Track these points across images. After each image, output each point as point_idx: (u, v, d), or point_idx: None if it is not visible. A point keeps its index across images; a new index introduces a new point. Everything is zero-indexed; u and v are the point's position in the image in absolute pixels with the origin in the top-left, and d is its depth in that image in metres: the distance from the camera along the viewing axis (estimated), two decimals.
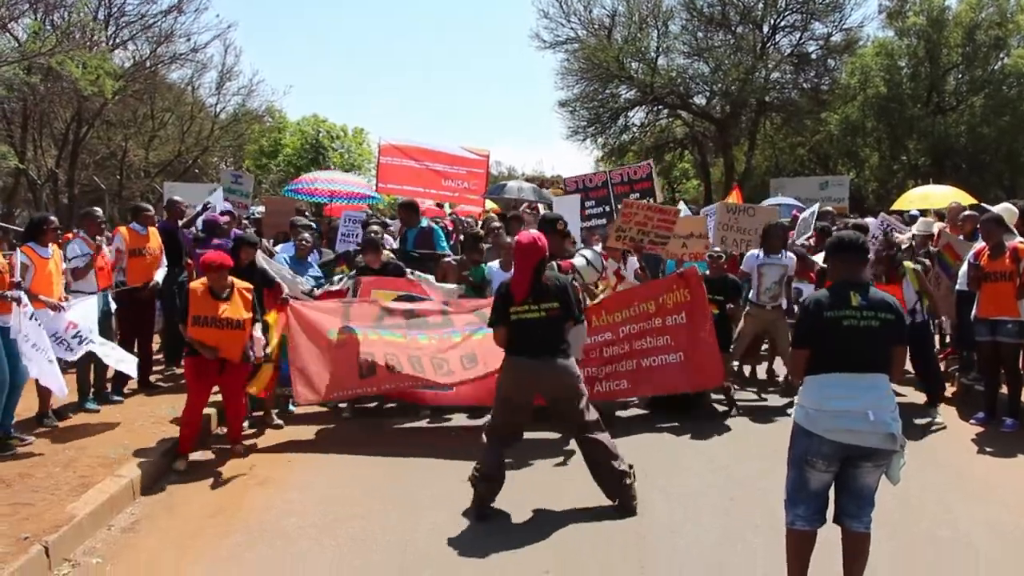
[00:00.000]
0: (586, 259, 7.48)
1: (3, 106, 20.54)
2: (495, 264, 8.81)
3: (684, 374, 7.97)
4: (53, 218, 7.65)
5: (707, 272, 8.78)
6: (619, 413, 8.31)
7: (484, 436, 5.79)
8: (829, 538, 4.24)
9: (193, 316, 6.63)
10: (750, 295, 8.96)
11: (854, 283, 4.20)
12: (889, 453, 4.04)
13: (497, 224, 10.02)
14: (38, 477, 5.89)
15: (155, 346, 9.75)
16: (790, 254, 9.35)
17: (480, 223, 11.92)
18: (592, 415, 5.81)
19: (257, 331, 6.91)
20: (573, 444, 6.15)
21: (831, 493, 4.24)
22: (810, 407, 4.14)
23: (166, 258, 9.09)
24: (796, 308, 9.11)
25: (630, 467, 5.76)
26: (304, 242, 9.07)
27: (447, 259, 9.30)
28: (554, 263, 6.76)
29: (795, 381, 4.49)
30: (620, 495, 5.69)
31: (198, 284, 6.86)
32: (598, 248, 8.88)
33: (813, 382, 4.18)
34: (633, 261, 9.42)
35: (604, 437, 5.77)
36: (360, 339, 7.35)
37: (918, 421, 7.90)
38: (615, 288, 8.50)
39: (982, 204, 12.46)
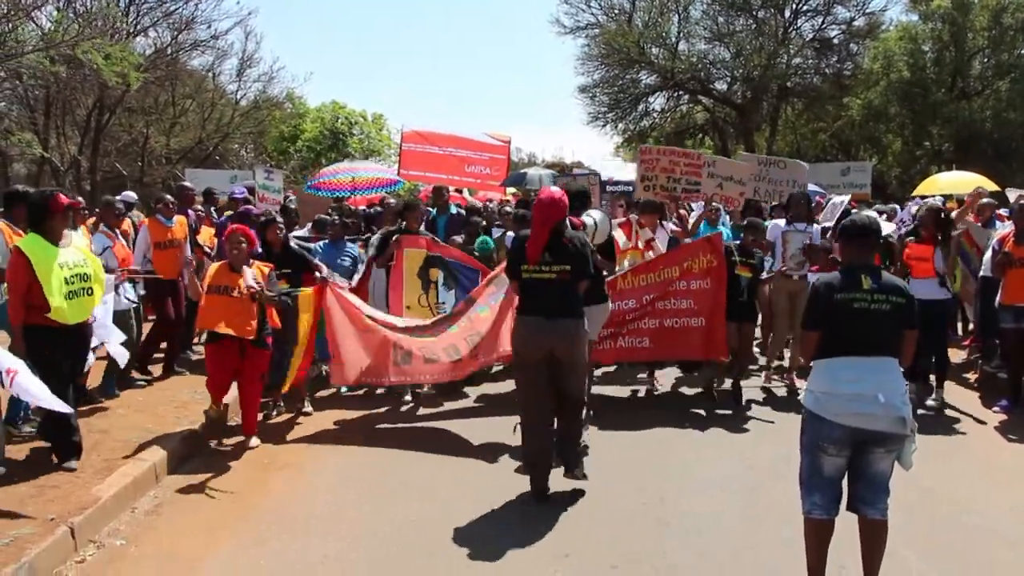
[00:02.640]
0: (594, 220, 7.32)
1: (27, 94, 20.70)
2: (511, 233, 8.83)
3: (700, 341, 8.05)
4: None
5: (738, 241, 8.62)
6: (642, 393, 8.31)
7: (518, 423, 5.81)
8: (849, 525, 4.22)
9: (208, 285, 6.68)
10: (773, 265, 8.85)
11: (865, 266, 4.18)
12: (901, 438, 4.02)
13: (510, 210, 10.04)
14: None
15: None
16: (814, 226, 9.32)
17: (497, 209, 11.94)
18: (583, 391, 5.85)
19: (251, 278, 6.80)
20: (589, 435, 6.12)
21: (845, 481, 4.21)
22: (819, 391, 4.12)
23: None
24: None
25: (585, 446, 5.92)
26: (334, 225, 9.12)
27: (452, 238, 9.33)
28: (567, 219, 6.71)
29: (804, 362, 4.49)
30: (570, 460, 5.75)
31: (217, 263, 6.99)
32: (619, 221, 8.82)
33: (822, 366, 4.17)
34: (669, 226, 9.36)
35: (582, 414, 5.87)
36: (388, 334, 7.44)
37: (929, 403, 7.90)
38: (643, 256, 8.48)
39: (1007, 190, 12.32)
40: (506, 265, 5.94)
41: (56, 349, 5.69)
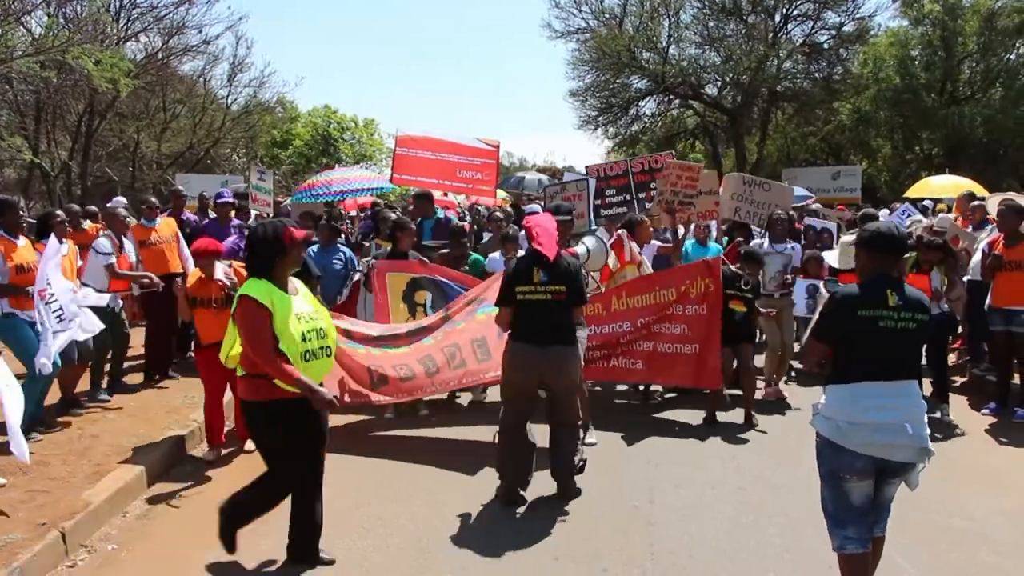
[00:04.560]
0: (587, 248, 7.34)
1: (17, 99, 20.64)
2: (496, 255, 8.80)
3: (693, 369, 7.78)
4: (59, 212, 7.63)
5: (735, 268, 8.42)
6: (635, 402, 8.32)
7: (495, 437, 5.75)
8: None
9: (190, 298, 6.69)
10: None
11: (890, 279, 3.86)
12: (915, 465, 3.87)
13: (500, 215, 10.03)
14: (54, 465, 5.95)
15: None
16: (794, 244, 9.36)
17: (487, 213, 11.95)
18: (577, 415, 5.79)
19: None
20: (584, 453, 6.09)
21: None
22: (841, 420, 3.79)
23: None
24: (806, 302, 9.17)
25: (583, 461, 5.83)
26: (323, 228, 9.11)
27: (440, 252, 9.15)
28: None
29: (807, 368, 4.25)
30: (564, 483, 5.73)
31: (196, 271, 6.94)
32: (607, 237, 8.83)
33: (844, 392, 3.83)
34: (655, 243, 9.37)
35: (577, 433, 5.78)
36: (363, 354, 7.21)
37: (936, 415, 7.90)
38: (638, 270, 8.33)
39: (988, 198, 12.37)
40: (500, 289, 5.78)
41: (293, 424, 4.55)
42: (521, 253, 6.45)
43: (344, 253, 8.94)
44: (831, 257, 8.97)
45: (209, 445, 6.89)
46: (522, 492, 5.68)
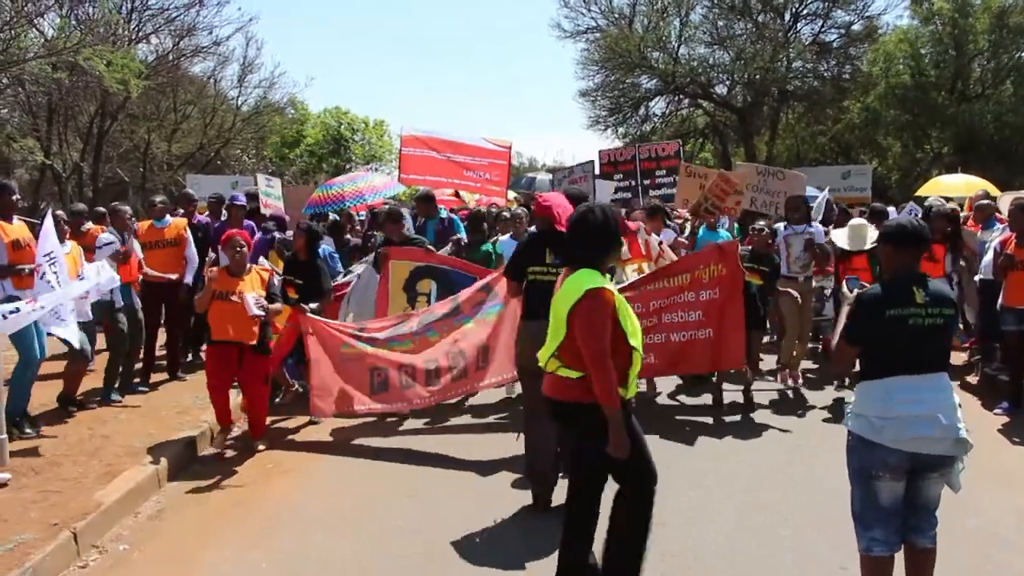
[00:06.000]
0: None
1: (29, 100, 20.76)
2: (505, 237, 8.80)
3: (710, 352, 7.74)
4: (59, 212, 7.74)
5: (750, 246, 8.52)
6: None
7: (522, 432, 5.67)
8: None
9: (213, 292, 6.72)
10: (781, 269, 8.76)
11: (916, 277, 3.84)
12: (954, 460, 3.82)
13: (520, 211, 10.04)
14: (66, 465, 5.98)
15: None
16: (816, 224, 9.33)
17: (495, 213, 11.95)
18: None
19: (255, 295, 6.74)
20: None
21: None
22: (874, 416, 3.76)
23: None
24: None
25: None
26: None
27: (456, 239, 9.23)
28: None
29: (836, 370, 4.13)
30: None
31: (217, 267, 7.01)
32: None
33: (876, 388, 3.81)
34: (668, 233, 9.35)
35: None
36: (370, 352, 7.25)
37: None
38: (655, 263, 8.30)
39: (1000, 197, 12.31)
40: (508, 263, 5.71)
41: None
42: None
43: (323, 249, 8.86)
44: (839, 236, 8.90)
45: (221, 428, 7.03)
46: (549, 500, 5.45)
